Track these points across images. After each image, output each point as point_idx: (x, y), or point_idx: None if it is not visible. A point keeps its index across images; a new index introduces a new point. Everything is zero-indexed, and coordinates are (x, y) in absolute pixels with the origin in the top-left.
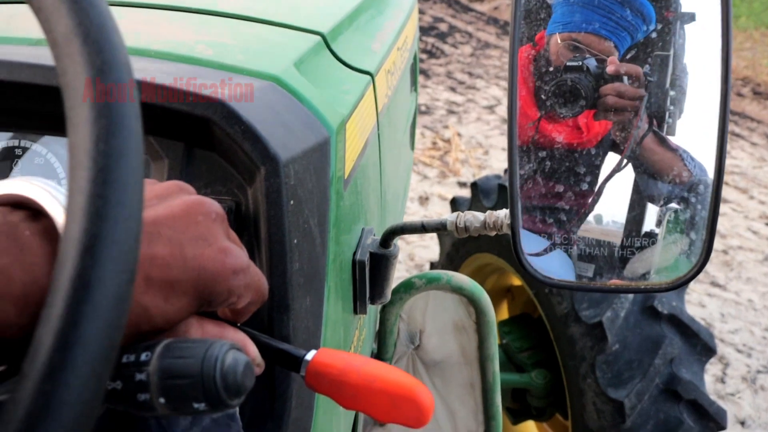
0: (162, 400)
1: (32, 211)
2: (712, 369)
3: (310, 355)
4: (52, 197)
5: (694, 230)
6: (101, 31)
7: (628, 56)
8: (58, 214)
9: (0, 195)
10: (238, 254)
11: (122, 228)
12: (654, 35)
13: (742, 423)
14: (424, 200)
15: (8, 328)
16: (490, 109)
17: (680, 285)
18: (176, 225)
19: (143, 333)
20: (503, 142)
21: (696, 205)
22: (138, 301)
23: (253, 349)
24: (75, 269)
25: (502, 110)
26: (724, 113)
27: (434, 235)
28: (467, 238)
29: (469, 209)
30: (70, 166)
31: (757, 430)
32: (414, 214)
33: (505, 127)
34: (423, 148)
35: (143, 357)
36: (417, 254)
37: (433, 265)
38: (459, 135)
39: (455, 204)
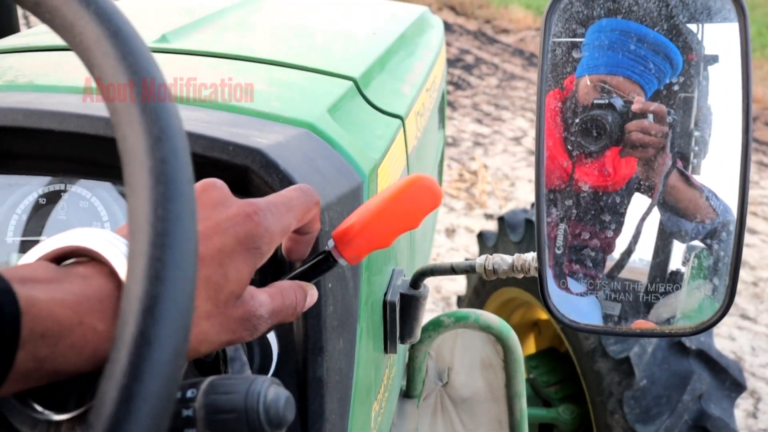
0: None
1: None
2: (743, 404)
3: (330, 245)
4: (118, 251)
5: (717, 276)
6: (159, 98)
7: (657, 99)
8: (117, 261)
9: (68, 246)
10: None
11: (179, 289)
12: (680, 80)
13: None
14: (450, 232)
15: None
16: (517, 140)
17: (704, 329)
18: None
19: (201, 353)
20: (530, 173)
21: (719, 252)
22: (199, 328)
23: (305, 285)
24: (137, 328)
25: (529, 142)
26: (746, 156)
27: None
28: None
29: (496, 244)
30: (131, 230)
31: None
32: (440, 246)
33: (532, 158)
34: (449, 180)
35: (189, 394)
36: (444, 287)
37: (460, 299)
38: (485, 167)
39: (482, 238)
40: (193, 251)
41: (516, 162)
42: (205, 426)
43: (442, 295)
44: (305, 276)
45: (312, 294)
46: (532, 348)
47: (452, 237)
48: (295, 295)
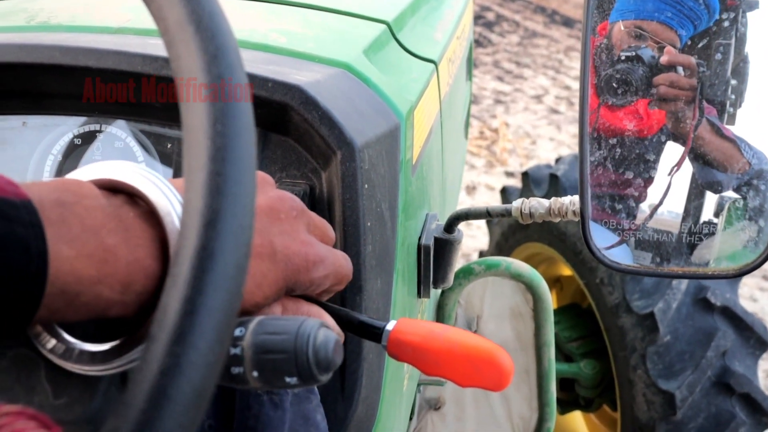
0: (255, 373)
1: (129, 194)
2: (763, 364)
3: (390, 326)
4: (149, 181)
5: (763, 217)
6: (212, 17)
7: (693, 45)
8: (156, 197)
9: (99, 179)
10: (319, 248)
11: (240, 203)
12: (719, 24)
13: None
14: (471, 190)
15: (113, 306)
16: (538, 98)
17: (747, 271)
18: (263, 219)
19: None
20: (551, 132)
21: (766, 192)
22: None
23: (330, 322)
24: (199, 240)
25: (550, 100)
26: None
27: (482, 224)
28: (517, 228)
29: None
30: (188, 145)
31: None
32: (461, 203)
33: (553, 116)
34: (470, 138)
35: (237, 332)
36: (465, 243)
37: (482, 255)
38: (506, 124)
39: (505, 193)
40: (253, 166)
41: (537, 120)
42: (253, 365)
43: (463, 252)
44: (350, 324)
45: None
46: (554, 304)
47: (473, 194)
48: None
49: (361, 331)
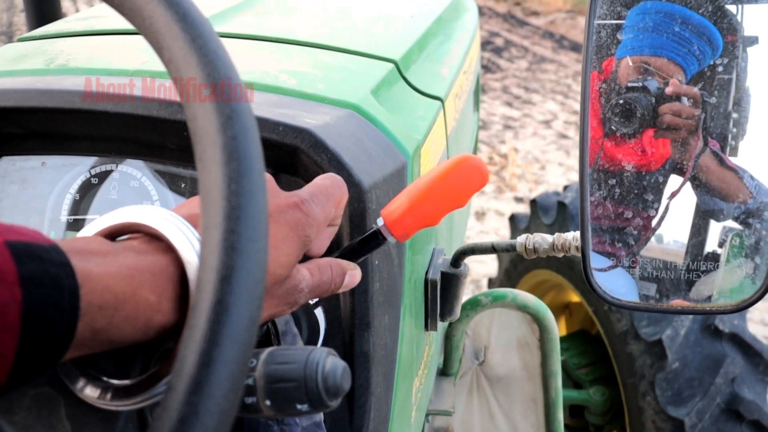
0: (268, 402)
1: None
2: None
3: (380, 222)
4: (174, 227)
5: (759, 255)
6: (227, 73)
7: (695, 80)
8: (182, 247)
9: (122, 223)
10: (303, 193)
11: (254, 260)
12: (719, 60)
13: None
14: (480, 215)
15: (154, 313)
16: (547, 123)
17: (745, 307)
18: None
19: None
20: (560, 157)
21: (761, 231)
22: None
23: (346, 264)
24: (215, 296)
25: (559, 125)
26: None
27: None
28: None
29: (528, 226)
30: (204, 204)
31: None
32: (471, 229)
33: (562, 141)
34: None
35: (249, 363)
36: (474, 270)
37: (491, 281)
38: (515, 150)
39: (514, 221)
40: (265, 224)
41: (546, 145)
42: (265, 394)
43: (472, 278)
44: (354, 253)
45: (353, 274)
46: (563, 330)
47: (482, 220)
48: (332, 272)
49: (367, 248)
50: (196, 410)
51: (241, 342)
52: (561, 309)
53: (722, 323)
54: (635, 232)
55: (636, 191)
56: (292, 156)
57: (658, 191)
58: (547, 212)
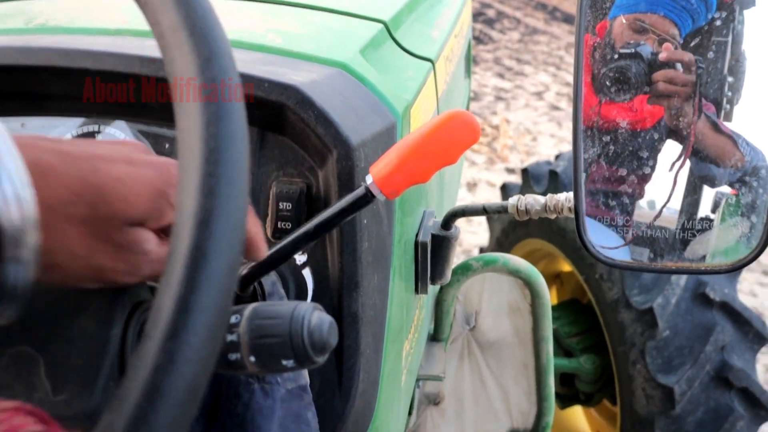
0: (252, 358)
1: None
2: (763, 359)
3: (368, 180)
4: None
5: (755, 213)
6: (206, 23)
7: (689, 43)
8: None
9: None
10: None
11: (234, 203)
12: (715, 22)
13: None
14: (472, 186)
15: None
16: (539, 95)
17: (740, 267)
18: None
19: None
20: (552, 128)
21: (758, 189)
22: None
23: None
24: (193, 240)
25: (551, 96)
26: None
27: (482, 221)
28: (517, 224)
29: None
30: (182, 147)
31: None
32: (462, 199)
33: (554, 113)
34: None
35: (233, 319)
36: (466, 240)
37: (482, 251)
38: (507, 121)
39: (505, 190)
40: (245, 167)
41: (538, 117)
42: (250, 350)
43: (463, 248)
44: (343, 212)
45: None
46: (554, 300)
47: (474, 191)
48: None
49: (355, 206)
50: (172, 358)
51: (220, 288)
52: (552, 278)
53: (713, 291)
54: (630, 190)
55: (631, 148)
56: (279, 114)
57: (654, 149)
58: (539, 181)
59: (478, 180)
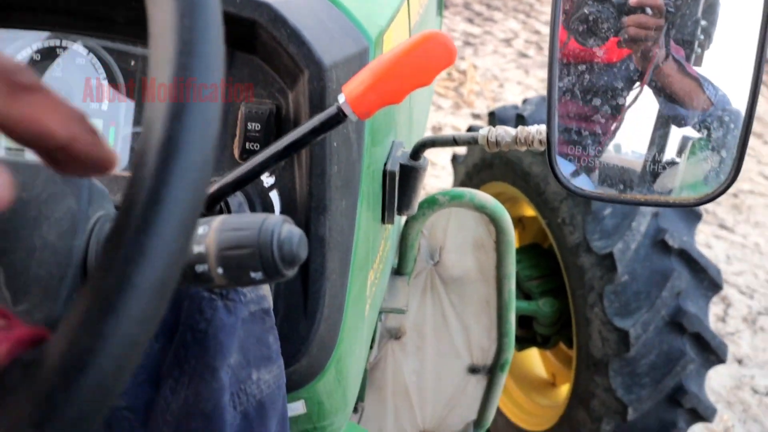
0: (220, 270)
1: None
2: (714, 308)
3: (341, 99)
4: None
5: (725, 148)
6: None
7: None
8: None
9: None
10: None
11: (206, 97)
12: None
13: (740, 361)
14: (437, 130)
15: None
16: (507, 42)
17: (708, 200)
18: None
19: None
20: (519, 75)
21: (729, 124)
22: None
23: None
24: (165, 133)
25: (519, 44)
26: (764, 39)
27: (446, 165)
28: (481, 167)
29: None
30: (154, 39)
31: (753, 368)
32: None
33: (522, 60)
34: (438, 79)
35: (201, 230)
36: (430, 184)
37: None
38: (475, 67)
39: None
40: (221, 59)
41: (506, 63)
42: (218, 262)
43: (426, 192)
44: (314, 131)
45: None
46: (516, 243)
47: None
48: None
49: (326, 126)
50: (143, 250)
51: (193, 181)
52: (515, 222)
53: (672, 239)
54: (603, 121)
55: (606, 77)
56: (250, 31)
57: (630, 80)
58: (506, 125)
59: (444, 124)
